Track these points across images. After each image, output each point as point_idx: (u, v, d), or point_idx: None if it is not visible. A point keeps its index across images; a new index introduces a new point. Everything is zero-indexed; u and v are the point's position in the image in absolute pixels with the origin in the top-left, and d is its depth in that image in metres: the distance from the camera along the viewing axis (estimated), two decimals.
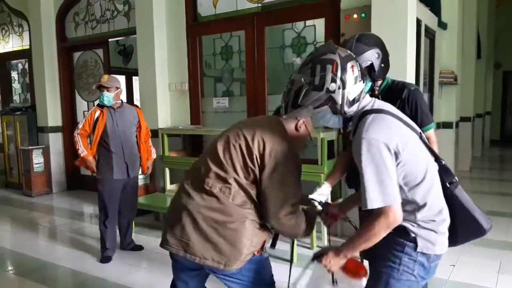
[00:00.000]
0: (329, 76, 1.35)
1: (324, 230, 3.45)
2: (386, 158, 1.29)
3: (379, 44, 1.90)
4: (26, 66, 6.90)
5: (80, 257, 3.55)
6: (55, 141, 6.16)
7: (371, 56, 1.84)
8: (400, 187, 1.33)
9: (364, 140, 1.30)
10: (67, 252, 3.73)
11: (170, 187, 4.54)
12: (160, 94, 4.82)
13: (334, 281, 1.55)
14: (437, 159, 1.45)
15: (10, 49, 7.06)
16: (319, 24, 4.00)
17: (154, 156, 3.72)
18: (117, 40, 6.32)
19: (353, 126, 1.42)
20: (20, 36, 6.84)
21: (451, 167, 5.81)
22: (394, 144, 1.31)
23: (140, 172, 3.61)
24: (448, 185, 1.44)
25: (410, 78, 3.65)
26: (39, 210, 5.27)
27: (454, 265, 3.10)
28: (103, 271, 3.23)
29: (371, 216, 1.33)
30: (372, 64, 1.84)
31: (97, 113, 3.37)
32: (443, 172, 1.45)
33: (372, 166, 1.29)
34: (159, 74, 4.82)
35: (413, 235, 1.37)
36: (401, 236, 1.38)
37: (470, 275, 2.94)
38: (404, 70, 3.40)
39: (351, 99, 1.38)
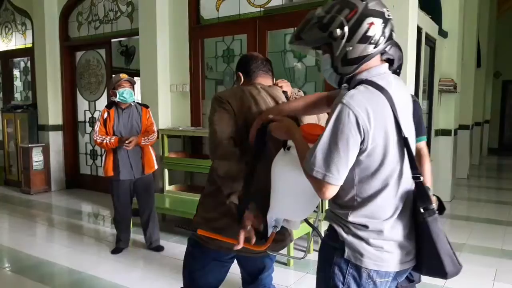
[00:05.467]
0: (339, 20, 1.18)
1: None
2: (352, 136, 1.13)
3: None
4: (28, 64, 6.92)
5: (77, 256, 3.57)
6: (55, 139, 6.17)
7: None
8: (354, 176, 1.21)
9: (341, 104, 1.15)
10: (64, 250, 3.73)
11: (168, 187, 4.55)
12: (161, 95, 4.85)
13: (285, 148, 1.42)
14: (415, 174, 1.23)
15: (13, 47, 7.08)
16: None
17: (148, 141, 3.45)
18: (119, 41, 6.37)
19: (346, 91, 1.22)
20: (23, 34, 6.86)
21: (448, 174, 5.77)
22: (368, 128, 1.14)
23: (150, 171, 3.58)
24: (421, 210, 1.20)
25: (410, 85, 3.69)
26: (37, 208, 5.27)
27: None
28: (99, 269, 3.24)
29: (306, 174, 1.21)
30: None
31: (106, 114, 3.43)
32: (418, 192, 1.23)
33: (333, 135, 1.14)
34: (161, 75, 4.84)
35: (341, 239, 1.25)
36: (332, 240, 1.28)
37: (465, 282, 2.93)
38: (404, 77, 3.42)
39: (349, 57, 1.20)
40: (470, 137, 7.28)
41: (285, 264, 3.28)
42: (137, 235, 3.93)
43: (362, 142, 1.15)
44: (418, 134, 1.96)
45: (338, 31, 1.18)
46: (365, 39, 1.18)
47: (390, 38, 1.23)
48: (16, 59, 7.22)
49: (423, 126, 2.04)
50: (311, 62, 4.22)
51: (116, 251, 3.59)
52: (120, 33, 5.61)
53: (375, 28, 1.18)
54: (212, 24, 4.71)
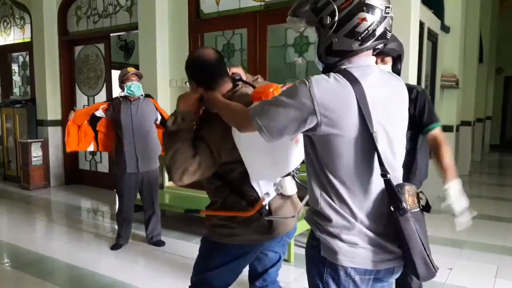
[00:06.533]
0: (332, 7, 1.12)
1: None
2: (296, 109, 1.10)
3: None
4: (27, 58, 6.87)
5: (76, 252, 3.55)
6: (54, 134, 6.15)
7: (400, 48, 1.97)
8: (317, 172, 1.20)
9: (306, 80, 1.11)
10: (63, 246, 3.72)
11: (168, 183, 4.53)
12: (160, 90, 4.80)
13: None
14: (382, 172, 1.15)
15: (12, 42, 7.03)
16: None
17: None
18: (118, 35, 6.33)
19: None
20: (22, 28, 6.81)
21: None
22: (318, 111, 1.09)
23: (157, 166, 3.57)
24: (392, 208, 1.14)
25: (412, 80, 3.65)
26: (36, 204, 5.26)
27: (451, 269, 3.09)
28: (99, 265, 3.22)
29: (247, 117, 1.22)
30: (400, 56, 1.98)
31: (104, 105, 3.47)
32: (387, 191, 1.16)
33: (284, 97, 1.13)
34: (160, 70, 4.80)
35: (317, 237, 1.23)
36: (312, 239, 1.27)
37: (467, 279, 2.93)
38: (406, 72, 3.39)
39: (333, 48, 1.15)
40: (472, 134, 7.24)
41: (285, 260, 3.26)
42: (137, 231, 3.91)
43: (315, 128, 1.12)
44: (433, 121, 1.95)
45: (328, 19, 1.13)
46: (353, 34, 1.12)
47: (382, 37, 1.15)
48: (14, 54, 7.17)
49: (434, 114, 2.00)
50: (312, 57, 4.17)
51: (115, 247, 3.57)
52: (119, 27, 5.56)
53: (366, 24, 1.11)
54: (212, 18, 4.66)
